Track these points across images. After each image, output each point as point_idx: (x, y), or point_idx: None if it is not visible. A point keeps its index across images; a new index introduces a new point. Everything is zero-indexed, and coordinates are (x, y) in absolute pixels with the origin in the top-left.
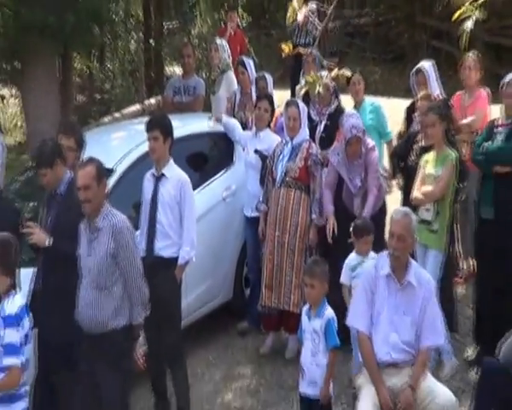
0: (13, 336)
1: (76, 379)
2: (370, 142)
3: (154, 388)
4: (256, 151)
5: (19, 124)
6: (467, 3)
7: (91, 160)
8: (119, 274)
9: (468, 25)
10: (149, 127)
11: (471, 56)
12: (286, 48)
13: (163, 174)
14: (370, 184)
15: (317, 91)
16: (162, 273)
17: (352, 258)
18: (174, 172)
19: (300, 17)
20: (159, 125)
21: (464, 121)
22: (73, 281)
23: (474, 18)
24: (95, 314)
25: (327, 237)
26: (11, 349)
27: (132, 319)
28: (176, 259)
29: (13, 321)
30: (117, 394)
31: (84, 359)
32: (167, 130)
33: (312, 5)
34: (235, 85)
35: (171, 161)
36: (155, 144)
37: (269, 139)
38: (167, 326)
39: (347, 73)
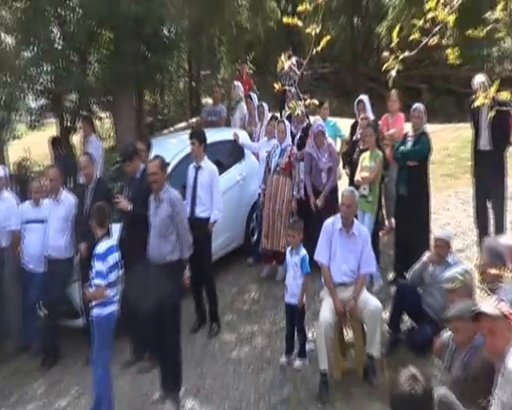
0: (100, 266)
1: (147, 291)
2: (330, 139)
3: (194, 298)
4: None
5: (111, 134)
6: (390, 60)
7: (157, 156)
8: (173, 228)
9: (393, 73)
10: (191, 137)
11: (393, 93)
12: (277, 86)
13: (200, 166)
14: (333, 164)
15: (296, 113)
16: (200, 227)
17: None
18: (207, 164)
19: (286, 67)
20: (196, 136)
21: (389, 132)
22: (145, 231)
23: (396, 68)
24: (158, 252)
25: (302, 206)
26: (99, 275)
27: (182, 255)
28: (208, 219)
29: (101, 257)
30: (176, 296)
31: (152, 280)
32: (202, 138)
33: (293, 59)
34: (245, 111)
35: (206, 157)
36: (194, 147)
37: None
38: (203, 260)
39: (315, 102)
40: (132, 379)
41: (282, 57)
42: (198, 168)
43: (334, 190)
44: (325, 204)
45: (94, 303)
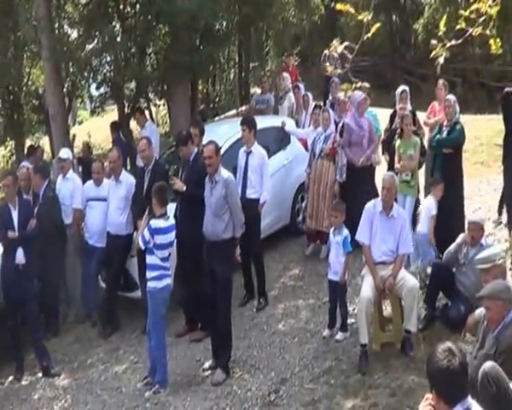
0: (162, 239)
1: (201, 266)
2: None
3: (244, 273)
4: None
5: (166, 121)
6: (437, 48)
7: (212, 141)
8: (227, 208)
9: (440, 60)
10: (242, 123)
11: (441, 81)
12: (329, 69)
13: (251, 151)
14: (372, 136)
15: (348, 95)
16: (250, 208)
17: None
18: (257, 149)
19: (339, 50)
20: (247, 122)
21: (435, 119)
22: (201, 211)
23: (443, 56)
24: (213, 230)
25: (344, 189)
26: (160, 247)
27: (234, 233)
28: (258, 200)
29: (159, 232)
30: (227, 272)
31: (206, 256)
32: (252, 125)
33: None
34: (293, 100)
35: (256, 143)
36: (245, 133)
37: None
38: (253, 238)
39: (366, 85)
40: (185, 348)
41: (334, 41)
42: (249, 153)
43: (372, 172)
44: (362, 184)
45: (149, 277)
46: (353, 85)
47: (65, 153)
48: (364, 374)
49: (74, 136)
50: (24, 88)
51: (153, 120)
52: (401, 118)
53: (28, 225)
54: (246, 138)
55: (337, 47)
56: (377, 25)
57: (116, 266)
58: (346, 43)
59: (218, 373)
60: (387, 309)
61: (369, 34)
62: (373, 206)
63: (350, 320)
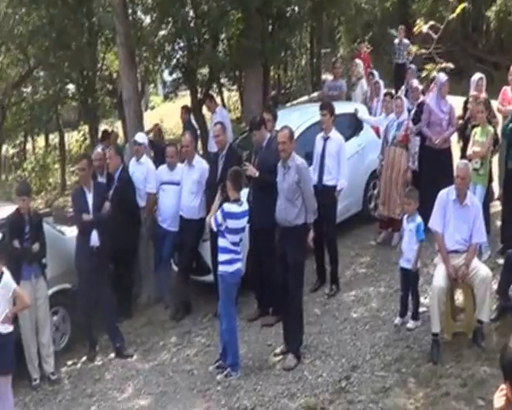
0: (234, 224)
1: (273, 251)
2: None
3: (316, 259)
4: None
5: (237, 107)
6: None
7: (286, 127)
8: (299, 193)
9: None
10: (322, 108)
11: None
12: (414, 49)
13: (329, 136)
14: (452, 120)
15: (433, 75)
16: (327, 194)
17: None
18: (335, 135)
19: (424, 30)
20: (327, 107)
21: (508, 107)
22: (273, 196)
23: None
24: (285, 215)
25: (416, 176)
26: (232, 231)
27: (307, 219)
28: (335, 186)
29: (232, 216)
30: (299, 258)
31: (278, 241)
32: (332, 110)
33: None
34: (366, 87)
35: (334, 129)
36: (325, 118)
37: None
38: (329, 224)
39: (451, 65)
40: (257, 333)
41: (419, 20)
42: (326, 139)
43: (449, 158)
44: (438, 170)
45: (220, 260)
46: (437, 66)
47: (141, 137)
48: (436, 363)
49: (159, 125)
50: (98, 73)
51: (224, 105)
52: (474, 105)
53: (103, 208)
54: (325, 123)
55: (422, 26)
56: (462, 5)
57: (188, 250)
58: (431, 23)
59: (290, 358)
60: (459, 299)
61: (454, 15)
62: (446, 194)
63: (421, 309)
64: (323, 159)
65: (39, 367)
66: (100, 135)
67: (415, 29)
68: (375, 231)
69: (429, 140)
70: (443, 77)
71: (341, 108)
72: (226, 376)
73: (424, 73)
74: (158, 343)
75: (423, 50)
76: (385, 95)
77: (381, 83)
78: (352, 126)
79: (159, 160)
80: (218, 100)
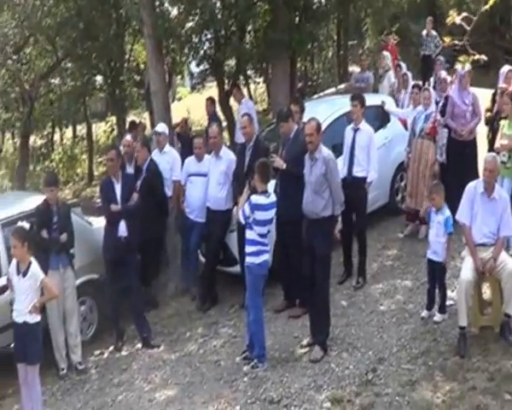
0: (262, 216)
1: (300, 243)
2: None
3: (344, 251)
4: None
5: (264, 98)
6: None
7: (313, 118)
8: (327, 185)
9: None
10: (353, 99)
11: None
12: (447, 40)
13: (359, 128)
14: (477, 110)
15: (467, 67)
16: (357, 186)
17: None
18: (365, 127)
19: (457, 21)
20: (358, 99)
21: None
22: (300, 188)
23: None
24: (312, 207)
25: (443, 170)
26: (260, 223)
27: (334, 211)
28: (364, 178)
29: (259, 208)
30: (326, 249)
31: (305, 233)
32: (363, 102)
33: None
34: (393, 79)
35: (364, 120)
36: (356, 109)
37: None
38: (359, 217)
39: (484, 57)
40: (283, 324)
41: (451, 11)
42: (356, 130)
43: (475, 150)
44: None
45: (248, 252)
46: (470, 58)
47: (161, 127)
48: (463, 357)
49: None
50: (125, 64)
51: (251, 97)
52: (501, 97)
53: (131, 199)
54: (356, 115)
55: (455, 17)
56: None
57: (216, 241)
58: (464, 14)
59: (316, 350)
60: (487, 292)
61: (487, 6)
62: (474, 187)
63: (448, 302)
64: (353, 150)
65: (67, 357)
66: (127, 126)
67: (447, 20)
68: (402, 224)
69: (454, 132)
70: (462, 69)
71: (368, 100)
72: (253, 367)
73: (458, 65)
74: (184, 334)
75: (456, 42)
76: (413, 87)
77: (410, 75)
78: (379, 119)
79: (186, 152)
80: (245, 92)
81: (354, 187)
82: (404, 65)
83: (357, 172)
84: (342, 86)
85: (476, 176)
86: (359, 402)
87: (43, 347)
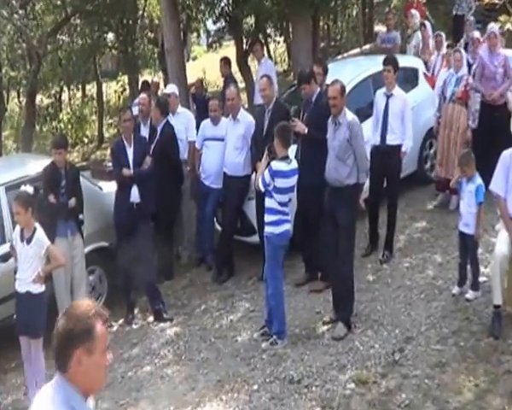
0: (282, 183)
1: (322, 212)
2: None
3: (370, 222)
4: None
5: (284, 59)
6: None
7: (337, 81)
8: (351, 151)
9: None
10: (385, 63)
11: None
12: None
13: (392, 94)
14: (508, 73)
15: (506, 28)
16: (391, 155)
17: None
18: (398, 92)
19: None
20: (392, 62)
21: None
22: (323, 154)
23: None
24: (336, 175)
25: (477, 136)
26: (280, 191)
27: (358, 179)
28: (399, 146)
29: (280, 175)
30: (350, 220)
31: (328, 202)
32: (396, 65)
33: None
34: (420, 39)
35: (397, 86)
36: (389, 74)
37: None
38: (391, 186)
39: None
40: (304, 298)
41: None
42: (389, 96)
43: (505, 110)
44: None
45: (267, 221)
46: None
47: (170, 87)
48: (497, 338)
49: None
50: (139, 21)
51: (270, 57)
52: None
53: (144, 163)
54: (388, 80)
55: None
56: None
57: (233, 209)
58: None
59: (339, 327)
60: None
61: None
62: (510, 155)
63: (482, 279)
64: (386, 117)
65: None
66: (140, 86)
67: None
68: (432, 194)
69: (483, 95)
70: (491, 28)
71: (404, 61)
72: (272, 344)
73: (493, 24)
74: (199, 307)
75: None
76: (447, 47)
77: (443, 35)
78: (406, 81)
79: (201, 114)
80: (264, 52)
81: (387, 156)
82: (428, 24)
83: (391, 140)
84: (367, 47)
85: (506, 142)
86: (385, 384)
87: (48, 319)
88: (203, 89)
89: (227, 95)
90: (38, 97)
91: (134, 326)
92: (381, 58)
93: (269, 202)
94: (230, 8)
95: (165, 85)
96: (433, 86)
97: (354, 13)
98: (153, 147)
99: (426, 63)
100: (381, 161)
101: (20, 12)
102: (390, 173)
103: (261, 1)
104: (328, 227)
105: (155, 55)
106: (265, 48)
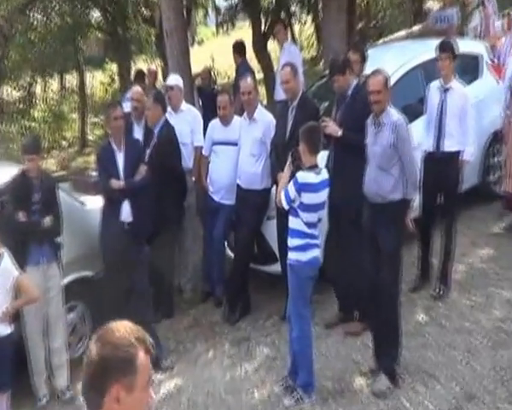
0: (310, 199)
1: (359, 235)
2: None
3: (420, 247)
4: None
5: (312, 43)
6: None
7: (379, 71)
8: (397, 159)
9: None
10: (442, 49)
11: None
12: None
13: (449, 87)
14: None
15: None
16: (448, 163)
17: None
18: (458, 87)
19: None
20: (449, 48)
21: None
22: (361, 163)
23: None
24: (377, 188)
25: None
26: (308, 208)
27: (406, 194)
28: (457, 152)
29: (308, 188)
30: (395, 245)
31: (368, 222)
32: (454, 53)
33: None
34: (481, 19)
35: (455, 78)
36: (445, 63)
37: None
38: (449, 201)
39: None
40: (337, 344)
41: None
42: (446, 90)
43: None
44: None
45: (291, 246)
46: None
47: (173, 79)
48: None
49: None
50: None
51: (295, 41)
52: None
53: (137, 173)
54: (445, 70)
55: None
56: None
57: (248, 231)
58: None
59: (381, 380)
60: None
61: None
62: None
63: None
64: (442, 117)
65: (48, 381)
66: (133, 76)
67: None
68: (498, 213)
69: None
70: None
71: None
72: (297, 400)
73: None
74: (206, 353)
75: None
76: None
77: None
78: (466, 72)
79: (209, 112)
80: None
81: (444, 165)
82: (491, 1)
83: (448, 145)
84: (416, 28)
85: None
86: None
87: (16, 368)
88: (211, 80)
89: (242, 88)
90: (5, 89)
91: None
92: (435, 42)
93: (294, 223)
94: None
95: (163, 76)
96: (499, 78)
97: None
98: (149, 152)
99: (491, 49)
100: (434, 171)
101: None
102: (446, 187)
103: None
104: (367, 254)
105: (152, 38)
106: (289, 30)
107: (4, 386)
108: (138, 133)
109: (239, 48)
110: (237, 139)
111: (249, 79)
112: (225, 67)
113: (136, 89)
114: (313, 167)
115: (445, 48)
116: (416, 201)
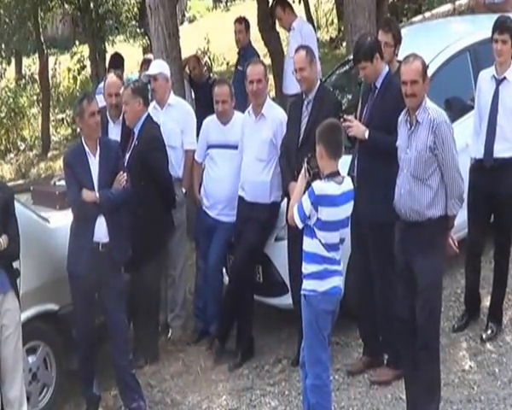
0: (328, 214)
1: (390, 260)
2: None
3: (468, 277)
4: None
5: (332, 20)
6: None
7: (415, 56)
8: (435, 167)
9: None
10: (501, 30)
11: None
12: None
13: (504, 77)
14: None
15: None
16: (503, 174)
17: None
18: None
19: None
20: (508, 27)
21: None
22: (390, 170)
23: None
24: (411, 202)
25: None
26: (325, 225)
27: (447, 210)
28: None
29: (327, 201)
30: (435, 273)
31: (399, 244)
32: None
33: None
34: None
35: None
36: (504, 47)
37: None
38: (503, 219)
39: None
40: (363, 394)
41: None
42: (500, 81)
43: None
44: None
45: (306, 273)
46: None
47: (157, 66)
48: None
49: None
50: None
51: (310, 20)
52: None
53: (115, 182)
54: (502, 56)
55: None
56: None
57: (250, 254)
58: None
59: None
60: None
61: None
62: None
63: None
64: (495, 115)
65: None
66: (108, 61)
67: None
68: None
69: None
70: None
71: None
72: None
73: None
74: (199, 406)
75: None
76: None
77: None
78: None
79: (202, 107)
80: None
81: (497, 175)
82: None
83: (503, 150)
84: (463, 2)
85: None
86: None
87: None
88: (205, 67)
89: (250, 74)
90: None
91: None
92: (488, 20)
93: (309, 245)
94: None
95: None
96: None
97: None
98: (128, 157)
99: None
100: (485, 182)
101: None
102: (499, 202)
103: None
104: (399, 284)
105: (132, 15)
106: (303, 4)
107: None
108: (115, 133)
109: (243, 25)
110: (238, 141)
111: (257, 66)
112: (223, 51)
113: (112, 79)
114: (333, 176)
115: (503, 27)
116: (462, 218)
